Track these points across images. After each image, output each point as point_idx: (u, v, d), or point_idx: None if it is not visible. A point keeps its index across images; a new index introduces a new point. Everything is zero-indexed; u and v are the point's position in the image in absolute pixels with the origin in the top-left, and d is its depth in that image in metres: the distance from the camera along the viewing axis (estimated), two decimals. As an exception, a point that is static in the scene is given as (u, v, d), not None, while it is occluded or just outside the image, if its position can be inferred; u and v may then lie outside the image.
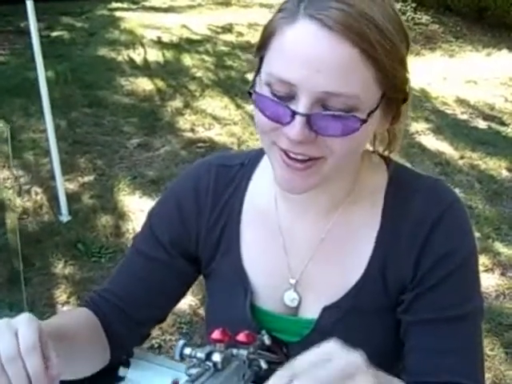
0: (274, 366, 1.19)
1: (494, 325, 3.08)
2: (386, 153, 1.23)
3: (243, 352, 1.04)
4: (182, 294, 1.36)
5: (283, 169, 1.07)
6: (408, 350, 1.19)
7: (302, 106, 1.01)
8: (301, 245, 1.23)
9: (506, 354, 2.93)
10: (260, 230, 1.25)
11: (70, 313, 1.27)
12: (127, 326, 1.29)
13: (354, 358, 0.88)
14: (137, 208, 3.90)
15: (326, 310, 1.20)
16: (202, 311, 3.10)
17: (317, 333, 1.21)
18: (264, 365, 1.10)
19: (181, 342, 1.02)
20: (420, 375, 1.15)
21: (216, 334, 1.02)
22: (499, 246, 3.70)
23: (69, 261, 3.45)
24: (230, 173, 1.28)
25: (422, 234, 1.16)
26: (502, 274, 3.47)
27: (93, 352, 1.23)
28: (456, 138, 5.12)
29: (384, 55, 1.00)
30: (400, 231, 1.17)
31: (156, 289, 1.29)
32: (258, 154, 1.28)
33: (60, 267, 3.39)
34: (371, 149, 1.22)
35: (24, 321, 0.99)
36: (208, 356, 1.00)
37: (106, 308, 1.28)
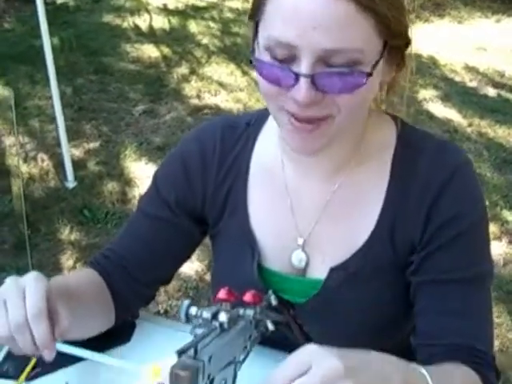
0: (280, 327, 1.18)
1: (501, 293, 3.07)
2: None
3: (250, 312, 1.03)
4: (187, 256, 1.35)
5: (293, 132, 1.05)
6: (417, 311, 1.17)
7: (304, 66, 0.98)
8: (308, 205, 1.21)
9: (513, 321, 2.92)
10: (267, 190, 1.23)
11: (76, 273, 1.27)
12: (132, 287, 1.28)
13: (334, 365, 0.81)
14: (143, 174, 3.87)
15: (333, 270, 1.18)
16: (208, 277, 3.09)
17: (323, 293, 1.19)
18: (270, 326, 1.09)
19: (186, 302, 1.00)
20: (429, 337, 1.14)
21: (222, 294, 1.00)
22: (507, 214, 3.67)
23: (75, 226, 3.44)
24: (236, 133, 1.26)
25: (430, 195, 1.14)
26: (510, 242, 3.44)
27: (99, 312, 1.22)
28: (464, 106, 5.06)
29: (382, 5, 0.97)
30: (408, 192, 1.15)
31: (161, 249, 1.28)
32: (263, 114, 1.26)
33: (66, 233, 3.38)
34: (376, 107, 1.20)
35: (31, 282, 1.00)
36: (214, 316, 0.98)
37: (111, 268, 1.27)
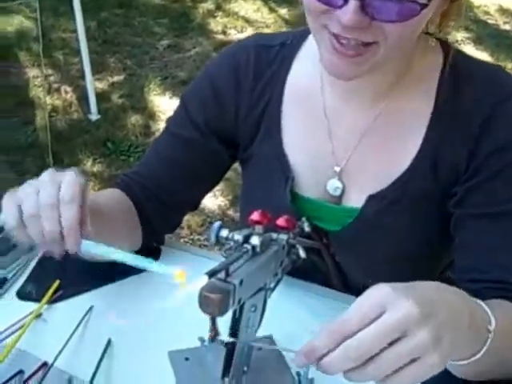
0: (311, 256, 1.13)
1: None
2: (441, 35, 1.13)
3: (283, 237, 0.98)
4: (216, 181, 1.30)
5: (332, 54, 0.98)
6: (459, 245, 1.11)
7: None
8: (346, 132, 1.15)
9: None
10: (303, 113, 1.17)
11: (104, 192, 1.21)
12: (158, 210, 1.23)
13: (410, 311, 0.73)
14: (167, 108, 3.82)
15: (371, 198, 1.13)
16: (231, 212, 3.06)
17: (359, 222, 1.14)
18: (302, 253, 1.03)
19: (217, 224, 0.95)
20: (470, 272, 1.08)
21: (255, 216, 0.95)
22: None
23: (98, 158, 3.41)
24: (271, 53, 1.19)
25: (478, 123, 1.07)
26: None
27: (126, 232, 1.18)
28: (497, 49, 4.92)
29: None
30: (454, 119, 1.09)
31: (189, 172, 1.23)
32: (302, 34, 1.19)
33: (89, 164, 3.36)
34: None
35: (70, 174, 0.96)
36: (246, 239, 0.93)
37: (138, 190, 1.22)
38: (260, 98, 1.18)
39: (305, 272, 1.15)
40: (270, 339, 1.09)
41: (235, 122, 1.20)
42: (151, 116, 3.79)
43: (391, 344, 0.73)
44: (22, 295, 1.17)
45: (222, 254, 0.92)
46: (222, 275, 0.85)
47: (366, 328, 0.74)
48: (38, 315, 1.11)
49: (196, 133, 1.21)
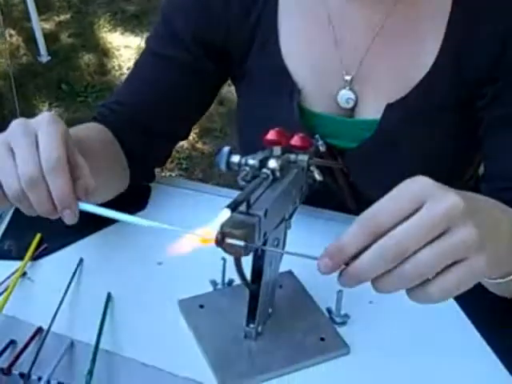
0: (327, 180, 1.00)
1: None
2: None
3: (303, 158, 0.84)
4: (207, 104, 1.15)
5: None
6: (488, 153, 0.99)
7: None
8: (355, 35, 1.00)
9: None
10: (302, 19, 1.02)
11: (83, 127, 1.04)
12: (145, 141, 1.08)
13: (455, 201, 0.62)
14: (120, 44, 3.64)
15: (389, 108, 0.99)
16: (200, 145, 2.96)
17: (378, 135, 1.01)
18: (318, 176, 0.90)
19: (226, 149, 0.81)
20: (502, 180, 0.96)
21: (272, 135, 0.81)
22: None
23: (54, 102, 3.24)
24: None
25: (510, 13, 0.93)
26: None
27: (112, 171, 1.03)
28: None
29: None
30: (480, 9, 0.95)
31: (177, 95, 1.08)
32: None
33: (45, 109, 3.19)
34: None
35: (45, 124, 0.77)
36: (262, 164, 0.80)
37: (119, 120, 1.07)
38: (253, 4, 1.02)
39: (318, 198, 1.02)
40: (290, 274, 0.96)
41: (226, 33, 1.04)
42: (105, 53, 3.61)
43: (432, 242, 0.61)
44: (1, 254, 1.02)
45: (239, 182, 0.78)
46: (243, 207, 0.71)
47: (403, 223, 0.61)
48: (23, 274, 0.96)
49: (182, 50, 1.05)
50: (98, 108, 1.11)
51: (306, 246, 1.00)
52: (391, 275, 0.62)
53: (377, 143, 1.01)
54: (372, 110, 1.01)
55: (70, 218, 0.77)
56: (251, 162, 0.80)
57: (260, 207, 0.73)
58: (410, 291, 0.64)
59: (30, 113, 3.12)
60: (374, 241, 0.62)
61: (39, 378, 0.77)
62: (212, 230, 0.68)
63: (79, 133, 0.93)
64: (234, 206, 0.69)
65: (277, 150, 0.81)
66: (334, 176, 1.09)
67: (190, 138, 2.95)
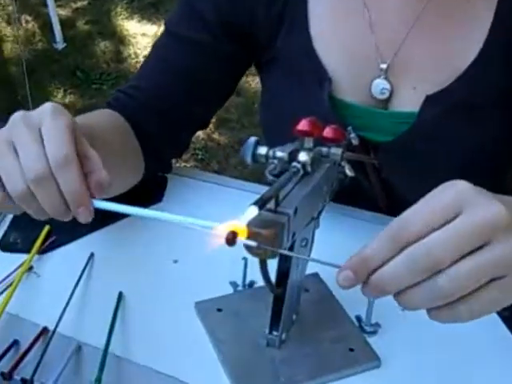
0: (358, 176, 0.93)
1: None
2: None
3: (336, 151, 0.77)
4: (229, 91, 1.07)
5: None
6: None
7: None
8: (393, 20, 0.93)
9: None
10: (337, 0, 0.95)
11: (96, 113, 0.96)
12: (162, 129, 1.01)
13: (498, 209, 0.54)
14: (137, 32, 3.57)
15: (429, 100, 0.92)
16: (216, 136, 2.89)
17: (416, 129, 0.93)
18: (349, 172, 0.83)
19: (252, 139, 0.74)
20: None
21: (304, 125, 0.74)
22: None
23: (68, 89, 3.18)
24: None
25: None
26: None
27: (127, 162, 0.95)
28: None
29: None
30: None
31: (197, 81, 1.00)
32: None
33: (60, 96, 3.12)
34: None
35: (49, 117, 0.67)
36: (291, 156, 0.73)
37: (136, 106, 0.99)
38: None
39: (347, 195, 0.95)
40: (317, 277, 0.89)
41: (252, 15, 0.97)
42: (121, 41, 3.54)
43: (468, 255, 0.53)
44: (6, 246, 0.95)
45: (266, 176, 0.70)
46: (271, 205, 0.64)
47: (436, 231, 0.54)
48: (29, 269, 0.89)
49: (206, 33, 0.98)
50: (114, 93, 1.03)
51: (333, 246, 0.93)
52: (420, 289, 0.54)
53: (414, 138, 0.94)
54: (409, 102, 0.94)
55: (85, 216, 0.68)
56: (280, 154, 0.73)
57: (289, 205, 0.66)
58: (431, 308, 0.56)
59: (43, 100, 3.05)
60: (403, 249, 0.55)
61: (42, 386, 0.70)
62: (225, 226, 0.60)
63: (89, 121, 0.85)
64: (261, 203, 0.61)
65: (308, 141, 0.74)
66: (366, 172, 1.01)
67: (207, 128, 2.89)
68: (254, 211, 0.60)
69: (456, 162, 0.95)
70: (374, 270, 0.56)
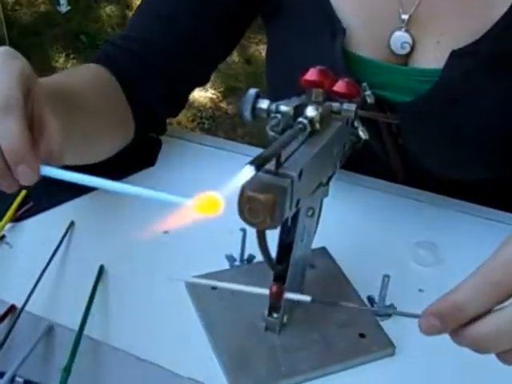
0: (372, 140, 0.82)
1: None
2: None
3: (350, 107, 0.66)
4: (231, 44, 0.97)
5: None
6: None
7: None
8: None
9: None
10: None
11: (79, 69, 0.87)
12: (156, 85, 0.90)
13: None
14: (145, -4, 3.43)
15: (455, 55, 0.80)
16: (224, 104, 2.79)
17: (440, 88, 0.82)
18: (363, 134, 0.73)
19: (252, 91, 0.64)
20: None
21: (313, 74, 0.63)
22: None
23: (71, 54, 3.07)
24: None
25: None
26: None
27: (112, 123, 0.86)
28: None
29: None
30: None
31: (195, 30, 0.90)
32: None
33: (61, 61, 3.02)
34: None
35: None
36: (297, 112, 0.62)
37: (127, 60, 0.89)
38: None
39: (358, 162, 0.85)
40: (324, 252, 0.79)
41: None
42: (127, 5, 3.42)
43: None
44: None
45: (268, 132, 0.60)
46: (271, 165, 0.54)
47: None
48: (1, 238, 0.80)
49: None
50: (103, 45, 0.93)
51: (341, 217, 0.84)
52: None
53: (437, 98, 0.83)
54: (431, 58, 0.83)
55: (25, 177, 0.57)
56: (284, 108, 0.62)
57: (293, 166, 0.56)
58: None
59: (46, 64, 2.96)
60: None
61: (1, 374, 0.60)
62: (216, 195, 0.49)
63: (69, 78, 0.76)
64: (259, 163, 0.51)
65: (317, 94, 0.64)
66: (381, 136, 0.90)
67: (214, 96, 2.80)
68: (249, 172, 0.50)
69: (481, 126, 0.84)
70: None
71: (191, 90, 0.97)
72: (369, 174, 0.93)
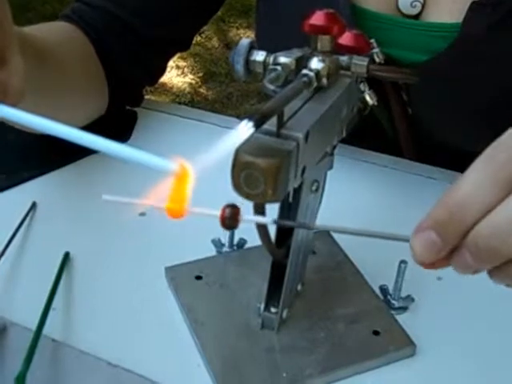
0: (378, 109, 0.72)
1: None
2: None
3: (361, 61, 0.56)
4: (215, 6, 0.86)
5: None
6: None
7: None
8: None
9: None
10: None
11: (48, 25, 0.78)
12: (133, 49, 0.81)
13: None
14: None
15: (475, 7, 0.70)
16: (203, 90, 2.71)
17: (459, 46, 0.72)
18: (370, 99, 0.63)
19: (245, 41, 0.54)
20: None
21: (319, 18, 0.52)
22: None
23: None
24: None
25: None
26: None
27: (84, 89, 0.76)
28: None
29: None
30: None
31: None
32: None
33: (38, 5, 2.92)
34: None
35: None
36: (299, 64, 0.52)
37: (100, 20, 0.79)
38: None
39: (362, 135, 0.74)
40: (328, 236, 0.68)
41: None
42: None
43: None
44: None
45: (266, 86, 0.48)
46: (271, 125, 0.43)
47: None
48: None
49: None
50: (71, 5, 0.82)
51: (345, 197, 0.74)
52: None
53: (455, 56, 0.72)
54: (446, 12, 0.72)
55: None
56: (283, 60, 0.52)
57: (298, 126, 0.46)
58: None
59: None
60: None
61: None
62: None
63: (41, 33, 0.68)
64: (258, 119, 0.40)
65: (324, 42, 0.53)
66: (388, 104, 0.80)
67: (193, 81, 2.71)
68: (247, 130, 0.39)
69: (506, 89, 0.74)
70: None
71: (170, 56, 0.88)
72: (373, 148, 0.83)
